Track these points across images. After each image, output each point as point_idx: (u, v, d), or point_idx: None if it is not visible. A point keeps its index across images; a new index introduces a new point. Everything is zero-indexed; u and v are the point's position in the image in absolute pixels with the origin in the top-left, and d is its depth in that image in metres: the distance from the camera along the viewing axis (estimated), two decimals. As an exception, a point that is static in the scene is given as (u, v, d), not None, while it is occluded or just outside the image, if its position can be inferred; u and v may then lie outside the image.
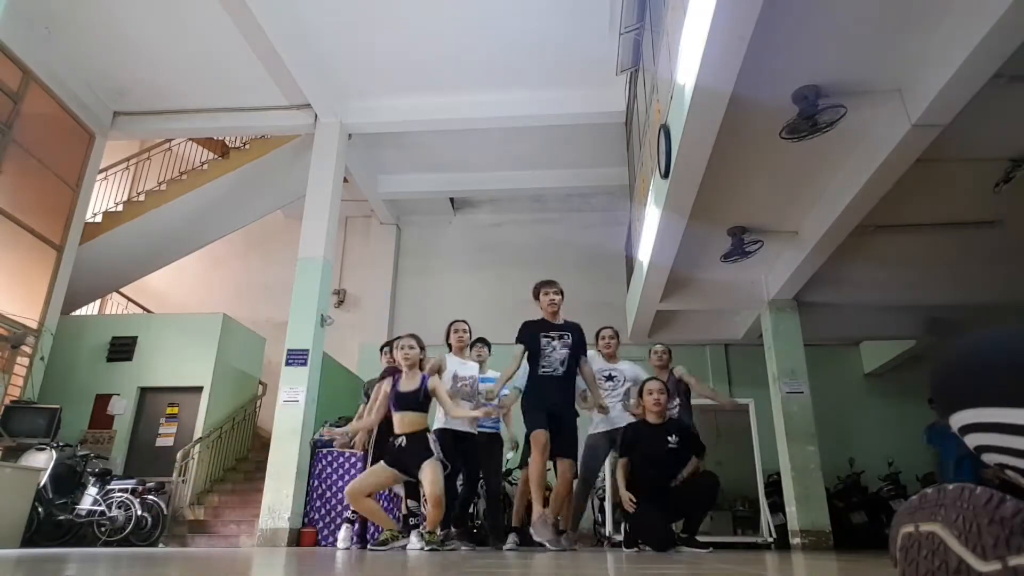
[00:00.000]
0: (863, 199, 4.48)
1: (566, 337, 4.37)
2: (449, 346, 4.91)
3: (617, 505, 4.93)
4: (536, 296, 4.53)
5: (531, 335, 4.37)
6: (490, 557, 3.30)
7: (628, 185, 8.10)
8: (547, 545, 3.94)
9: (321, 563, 2.76)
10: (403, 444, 4.25)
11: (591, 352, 4.86)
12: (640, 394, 4.45)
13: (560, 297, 4.47)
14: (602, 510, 6.40)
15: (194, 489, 7.50)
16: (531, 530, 4.10)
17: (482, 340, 5.42)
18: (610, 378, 4.85)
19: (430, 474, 4.05)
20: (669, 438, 4.29)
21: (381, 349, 5.55)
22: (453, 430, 4.55)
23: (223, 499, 7.61)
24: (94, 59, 7.55)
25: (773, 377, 6.57)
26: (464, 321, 4.99)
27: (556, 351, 4.34)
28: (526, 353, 4.37)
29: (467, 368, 4.77)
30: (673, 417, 4.71)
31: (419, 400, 4.32)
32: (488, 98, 7.94)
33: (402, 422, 4.31)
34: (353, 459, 6.31)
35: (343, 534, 4.73)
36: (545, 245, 10.43)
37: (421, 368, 4.48)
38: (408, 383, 4.37)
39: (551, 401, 4.26)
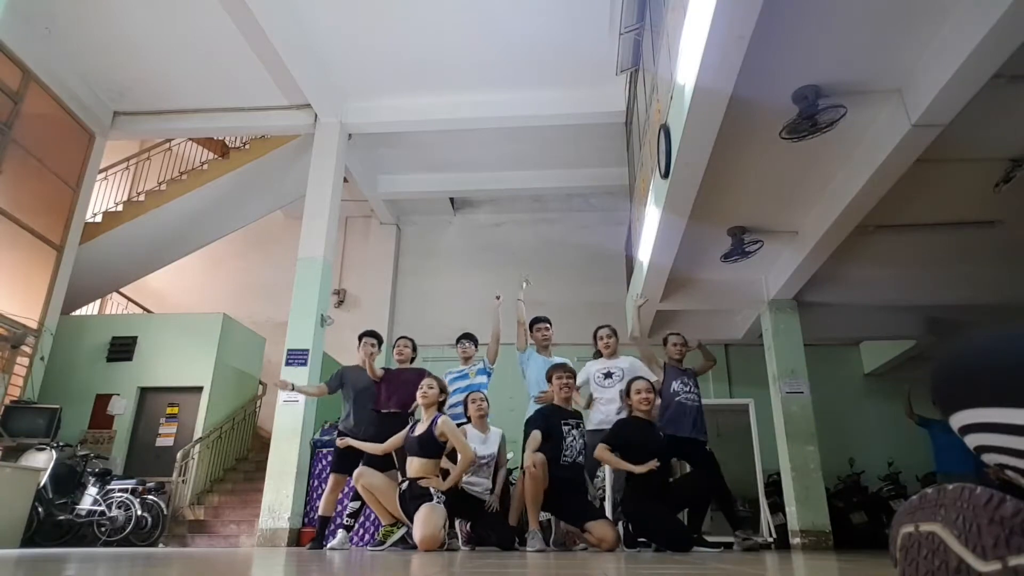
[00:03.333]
0: (863, 199, 4.47)
1: (582, 426, 4.44)
2: (468, 418, 4.66)
3: (617, 505, 4.92)
4: (548, 379, 4.52)
5: (549, 424, 4.28)
6: (490, 557, 3.30)
7: (628, 185, 8.09)
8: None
9: (321, 563, 2.75)
10: (404, 489, 4.12)
11: (588, 362, 4.92)
12: (628, 393, 4.39)
13: (573, 380, 4.49)
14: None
15: (194, 489, 7.51)
16: (527, 537, 4.12)
17: (469, 336, 5.34)
18: (608, 375, 4.83)
19: (422, 514, 3.88)
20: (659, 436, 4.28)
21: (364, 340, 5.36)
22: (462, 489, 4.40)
23: (223, 499, 7.61)
24: (94, 59, 7.55)
25: (773, 377, 6.56)
26: (481, 391, 4.79)
27: (576, 440, 4.32)
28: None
29: (487, 445, 4.53)
30: (695, 403, 4.72)
31: (427, 444, 4.12)
32: (488, 98, 7.94)
33: (411, 467, 4.18)
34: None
35: (340, 537, 4.71)
36: (545, 245, 10.43)
37: (440, 408, 4.32)
38: (422, 426, 4.23)
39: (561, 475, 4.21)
